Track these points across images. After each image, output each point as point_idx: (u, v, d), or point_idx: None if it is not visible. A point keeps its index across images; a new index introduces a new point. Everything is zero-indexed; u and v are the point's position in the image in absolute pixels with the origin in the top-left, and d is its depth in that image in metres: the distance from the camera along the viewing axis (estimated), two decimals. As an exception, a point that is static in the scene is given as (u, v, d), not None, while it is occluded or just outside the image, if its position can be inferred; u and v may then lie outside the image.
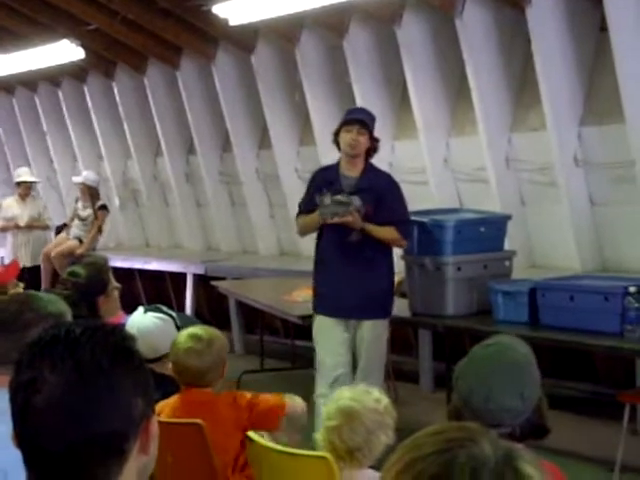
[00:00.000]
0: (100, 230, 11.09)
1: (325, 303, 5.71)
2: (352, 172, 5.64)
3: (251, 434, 3.32)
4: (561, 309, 5.61)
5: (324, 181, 5.65)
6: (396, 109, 8.65)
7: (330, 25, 8.51)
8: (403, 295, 6.69)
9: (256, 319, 9.24)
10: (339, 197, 5.45)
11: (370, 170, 5.67)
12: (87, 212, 11.00)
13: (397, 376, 7.51)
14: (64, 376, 1.48)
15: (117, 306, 4.52)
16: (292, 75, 9.25)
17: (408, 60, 8.00)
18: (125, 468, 1.53)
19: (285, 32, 8.94)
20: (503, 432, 2.32)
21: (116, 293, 4.48)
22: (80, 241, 10.99)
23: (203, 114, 10.42)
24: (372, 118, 5.69)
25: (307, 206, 5.71)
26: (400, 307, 6.38)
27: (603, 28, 6.96)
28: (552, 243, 7.55)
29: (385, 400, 3.08)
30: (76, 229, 11.01)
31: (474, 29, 7.51)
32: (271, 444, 3.23)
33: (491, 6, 7.55)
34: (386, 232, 5.59)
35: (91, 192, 10.97)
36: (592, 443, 6.23)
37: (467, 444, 1.05)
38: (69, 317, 2.69)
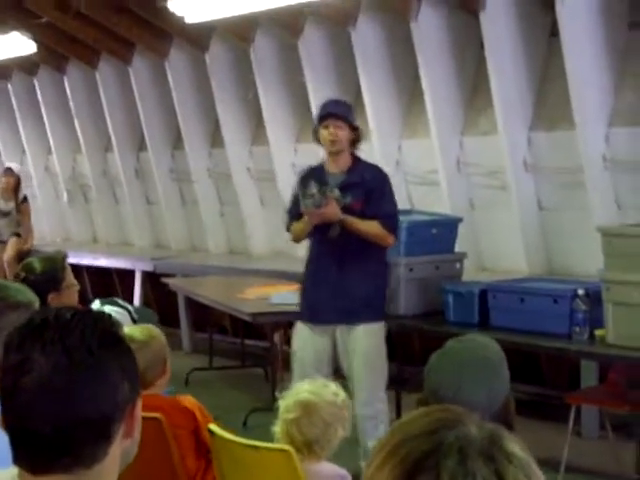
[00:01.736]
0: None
1: (305, 308, 5.52)
2: (338, 168, 5.41)
3: (212, 427, 3.35)
4: (511, 311, 5.70)
5: (309, 179, 5.38)
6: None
7: (285, 25, 8.55)
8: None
9: (205, 317, 9.24)
10: (324, 188, 5.21)
11: (357, 164, 5.44)
12: (10, 206, 10.82)
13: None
14: (53, 359, 1.50)
15: (73, 304, 4.47)
16: (246, 74, 9.27)
17: (362, 62, 8.06)
18: (110, 451, 1.56)
19: (240, 31, 8.95)
20: None
21: (73, 291, 4.41)
22: (18, 235, 10.80)
23: (155, 111, 10.39)
24: (348, 107, 5.54)
25: (296, 210, 5.44)
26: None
27: (554, 33, 7.08)
28: (501, 246, 7.65)
29: (342, 394, 3.14)
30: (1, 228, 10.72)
31: (428, 33, 7.59)
32: (232, 437, 3.26)
33: (445, 10, 7.64)
34: (368, 226, 5.28)
35: (14, 184, 10.80)
36: (538, 444, 6.30)
37: (454, 425, 1.09)
38: (37, 306, 2.69)
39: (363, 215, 5.30)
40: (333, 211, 5.22)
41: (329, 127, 5.32)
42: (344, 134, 5.35)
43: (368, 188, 5.34)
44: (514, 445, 1.08)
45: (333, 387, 3.12)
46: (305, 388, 3.10)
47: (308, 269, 5.58)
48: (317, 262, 5.50)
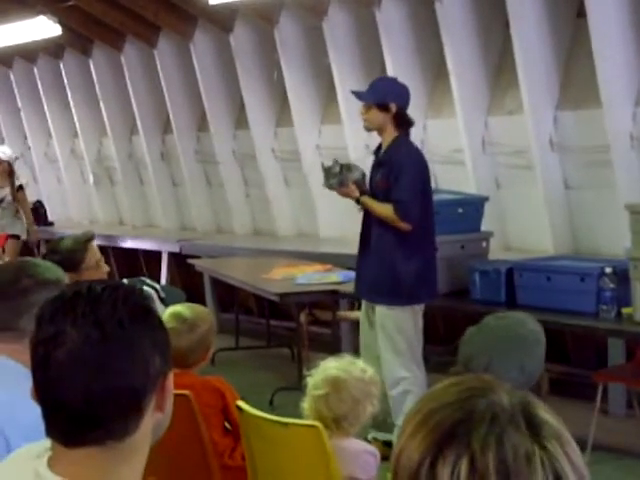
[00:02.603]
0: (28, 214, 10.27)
1: (355, 283, 5.76)
2: (383, 147, 5.59)
3: (241, 403, 3.37)
4: (538, 289, 5.70)
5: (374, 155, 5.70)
6: (374, 91, 8.69)
7: (309, 6, 8.53)
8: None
9: (231, 298, 9.28)
10: (346, 165, 5.49)
11: (395, 144, 5.50)
12: (3, 193, 10.28)
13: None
14: (85, 331, 1.52)
15: None
16: (270, 56, 9.27)
17: (387, 42, 8.04)
18: (141, 423, 1.57)
19: (264, 12, 8.94)
20: None
21: (96, 272, 4.42)
22: (15, 237, 10.18)
23: (180, 93, 10.41)
24: (375, 88, 5.59)
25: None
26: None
27: (580, 14, 7.03)
28: (527, 226, 7.63)
29: (370, 370, 3.15)
30: None
31: (453, 12, 7.56)
32: (261, 413, 3.28)
33: (470, -10, 7.60)
34: (381, 209, 5.42)
35: (8, 170, 10.23)
36: (564, 423, 6.31)
37: (485, 393, 1.10)
38: (65, 284, 2.71)
39: (387, 194, 5.40)
40: (350, 192, 5.44)
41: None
42: (372, 114, 5.46)
43: (390, 169, 5.43)
44: (545, 412, 1.09)
45: (361, 364, 3.14)
46: (333, 365, 3.12)
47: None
48: (360, 238, 5.67)
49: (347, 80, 8.55)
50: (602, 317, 5.41)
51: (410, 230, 5.39)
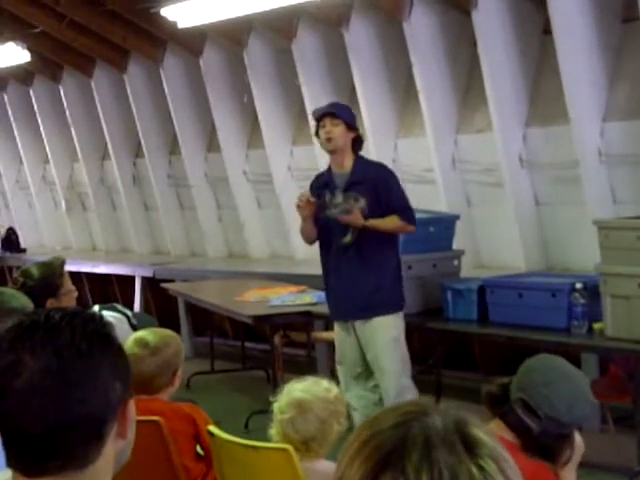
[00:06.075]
0: None
1: (332, 308, 5.73)
2: (342, 169, 5.53)
3: (212, 428, 3.35)
4: (510, 306, 5.71)
5: (320, 185, 5.61)
6: (344, 111, 8.71)
7: (278, 28, 8.56)
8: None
9: (205, 321, 9.25)
10: (348, 195, 5.41)
11: (360, 163, 5.55)
12: None
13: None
14: (43, 360, 1.50)
15: None
16: (240, 78, 9.28)
17: (356, 63, 8.07)
18: (103, 451, 1.56)
19: (233, 35, 8.97)
20: (525, 421, 2.44)
21: (71, 297, 4.42)
22: None
23: (151, 117, 10.41)
24: (344, 108, 5.67)
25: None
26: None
27: (547, 31, 7.09)
28: (498, 243, 7.67)
29: (335, 389, 3.15)
30: None
31: (421, 32, 7.61)
32: (232, 437, 3.26)
33: (437, 10, 7.65)
34: (389, 222, 5.47)
35: None
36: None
37: (420, 416, 1.10)
38: (32, 312, 2.69)
39: (373, 212, 5.43)
40: (357, 220, 5.39)
41: (325, 126, 5.45)
42: (339, 131, 5.45)
43: (374, 185, 5.47)
44: (480, 431, 1.09)
45: (325, 383, 3.13)
46: (297, 387, 3.11)
47: (324, 272, 5.71)
48: (331, 263, 5.62)
49: (317, 101, 8.55)
50: (574, 333, 5.44)
51: (414, 232, 5.65)
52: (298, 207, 5.51)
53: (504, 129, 7.30)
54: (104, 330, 1.60)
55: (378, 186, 5.46)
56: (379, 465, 1.05)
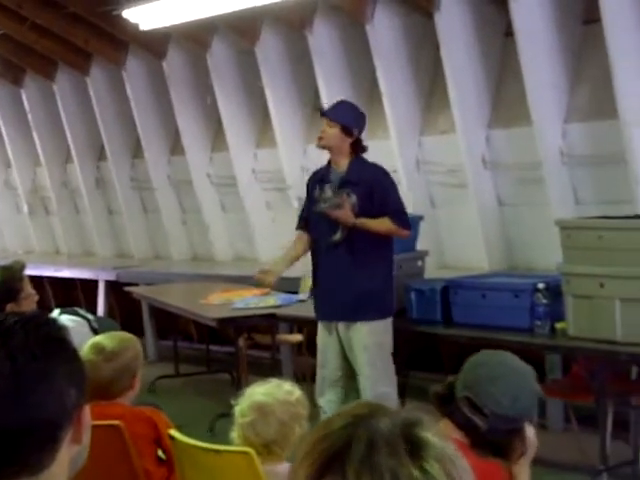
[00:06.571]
0: None
1: (317, 307, 5.63)
2: (340, 167, 5.47)
3: (173, 432, 3.34)
4: (473, 306, 5.73)
5: (315, 181, 5.57)
6: (308, 114, 8.72)
7: (242, 30, 8.54)
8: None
9: (170, 325, 9.21)
10: (339, 192, 5.34)
11: (357, 163, 5.49)
12: None
13: (313, 379, 7.53)
14: None
15: None
16: (204, 80, 9.26)
17: (320, 66, 8.07)
18: (57, 457, 1.54)
19: (196, 37, 8.94)
20: (472, 419, 2.43)
21: (31, 301, 4.40)
22: None
23: (114, 120, 10.35)
24: (346, 110, 5.57)
25: (304, 214, 5.64)
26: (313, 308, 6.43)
27: (509, 33, 7.13)
28: (462, 243, 7.70)
29: (297, 392, 3.14)
30: None
31: (384, 35, 7.62)
32: (193, 441, 3.25)
33: (400, 12, 7.67)
34: (381, 224, 5.38)
35: None
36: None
37: (367, 419, 1.10)
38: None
39: (365, 213, 5.35)
40: (347, 216, 5.31)
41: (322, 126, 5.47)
42: (332, 132, 5.41)
43: (368, 186, 5.40)
44: (427, 432, 1.08)
45: (287, 386, 3.12)
46: (258, 390, 3.10)
47: (313, 270, 5.63)
48: (319, 262, 5.55)
49: (281, 104, 8.58)
50: (536, 332, 5.46)
51: (408, 236, 5.58)
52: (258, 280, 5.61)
53: (467, 131, 7.33)
54: (59, 334, 1.58)
55: (373, 188, 5.40)
56: (323, 467, 1.05)
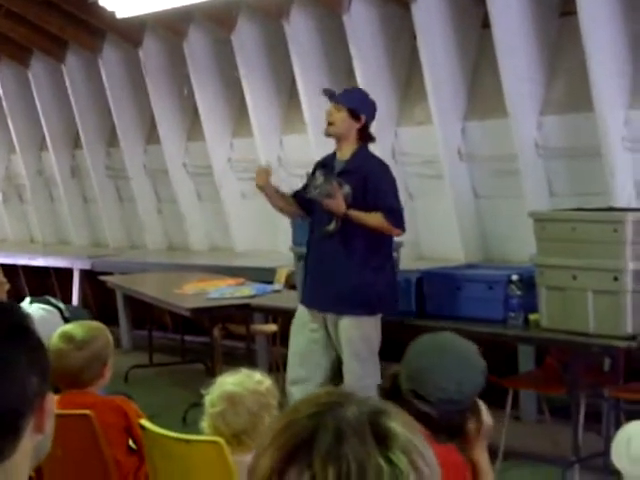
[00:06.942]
0: None
1: (304, 295, 5.50)
2: (344, 155, 5.33)
3: (143, 422, 3.32)
4: (447, 298, 5.73)
5: (319, 165, 5.43)
6: (285, 104, 8.71)
7: (218, 19, 8.51)
8: (293, 287, 6.75)
9: (145, 314, 9.18)
10: (331, 179, 5.18)
11: (360, 153, 5.33)
12: None
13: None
14: None
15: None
16: (180, 69, 9.22)
17: (296, 55, 8.05)
18: (19, 446, 1.52)
19: (173, 26, 8.90)
20: (422, 409, 2.43)
21: (1, 290, 4.37)
22: None
23: (89, 108, 10.29)
24: (355, 96, 5.44)
25: (299, 192, 5.47)
26: (289, 299, 6.44)
27: (486, 25, 7.13)
28: (438, 235, 7.70)
29: (267, 382, 3.13)
30: None
31: (361, 25, 7.61)
32: (163, 431, 3.24)
33: (377, 3, 7.66)
34: (373, 219, 5.22)
35: None
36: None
37: (335, 407, 1.09)
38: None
39: (358, 204, 5.22)
40: (338, 206, 5.18)
41: (329, 109, 5.31)
42: (341, 116, 5.26)
43: (365, 177, 5.26)
44: (395, 422, 1.07)
45: (257, 376, 3.11)
46: (228, 380, 3.09)
47: (306, 257, 5.53)
48: (312, 250, 5.45)
49: (257, 93, 8.55)
50: (510, 324, 5.47)
51: (399, 235, 5.43)
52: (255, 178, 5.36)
53: (443, 122, 7.33)
54: (22, 322, 1.56)
55: (368, 180, 5.25)
56: (288, 456, 1.03)
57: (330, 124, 5.31)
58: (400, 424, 1.08)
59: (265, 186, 5.39)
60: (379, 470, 1.02)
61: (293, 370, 5.49)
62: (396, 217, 5.29)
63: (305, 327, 5.46)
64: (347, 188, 5.22)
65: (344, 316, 5.30)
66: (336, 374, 5.47)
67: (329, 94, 5.38)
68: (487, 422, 2.60)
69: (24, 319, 1.58)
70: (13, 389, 1.50)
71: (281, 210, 5.65)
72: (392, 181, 5.39)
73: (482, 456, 2.63)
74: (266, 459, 1.05)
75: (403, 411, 1.12)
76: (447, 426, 2.50)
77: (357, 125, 5.31)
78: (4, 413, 1.49)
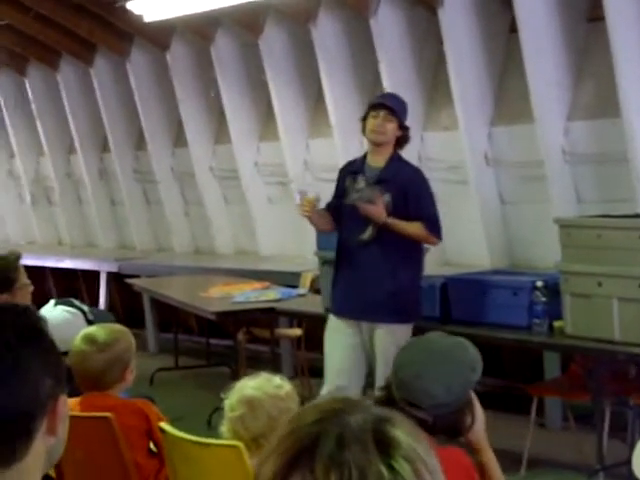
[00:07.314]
0: None
1: (336, 303, 5.40)
2: (377, 162, 5.28)
3: (163, 425, 3.33)
4: (472, 304, 5.71)
5: (348, 173, 5.35)
6: (311, 107, 8.71)
7: (246, 23, 8.53)
8: (318, 291, 6.74)
9: (170, 317, 9.21)
10: (373, 186, 5.13)
11: (395, 161, 5.31)
12: None
13: (311, 373, 7.54)
14: None
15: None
16: (207, 73, 9.25)
17: (323, 59, 8.05)
18: (32, 448, 1.52)
19: (200, 30, 8.93)
20: (417, 415, 2.42)
21: (26, 292, 4.39)
22: None
23: (117, 111, 10.34)
24: (403, 105, 5.39)
25: (332, 204, 5.41)
26: (314, 303, 6.44)
27: (513, 30, 7.10)
28: (463, 240, 7.66)
29: (287, 386, 3.11)
30: None
31: (388, 29, 7.60)
32: (183, 434, 3.24)
33: (404, 7, 7.65)
34: (413, 228, 5.20)
35: None
36: (500, 437, 6.33)
37: (340, 414, 1.09)
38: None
39: (397, 213, 5.17)
40: (379, 213, 5.13)
41: (378, 117, 5.24)
42: (392, 127, 5.26)
43: (403, 187, 5.22)
44: (398, 430, 1.07)
45: (277, 380, 3.10)
46: (248, 384, 3.09)
47: (336, 265, 5.45)
48: (345, 259, 5.37)
49: (284, 97, 8.56)
50: (535, 331, 5.44)
51: (437, 244, 5.45)
52: (299, 207, 5.27)
53: (470, 127, 7.31)
54: (36, 325, 1.57)
55: (408, 190, 5.21)
56: (291, 462, 1.03)
57: (380, 134, 5.26)
58: (404, 432, 1.07)
59: (311, 216, 5.35)
60: (380, 477, 1.02)
61: (332, 384, 5.35)
62: (436, 226, 5.30)
63: (341, 335, 5.36)
64: (387, 197, 5.18)
65: (379, 324, 5.22)
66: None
67: (385, 106, 5.29)
68: (479, 414, 2.59)
69: (37, 322, 1.59)
70: (25, 391, 1.50)
71: (320, 229, 5.63)
72: (430, 190, 5.39)
73: (490, 458, 2.62)
74: (269, 465, 1.05)
75: (408, 419, 1.11)
76: (444, 428, 2.51)
77: (399, 133, 5.32)
78: (16, 415, 1.49)
